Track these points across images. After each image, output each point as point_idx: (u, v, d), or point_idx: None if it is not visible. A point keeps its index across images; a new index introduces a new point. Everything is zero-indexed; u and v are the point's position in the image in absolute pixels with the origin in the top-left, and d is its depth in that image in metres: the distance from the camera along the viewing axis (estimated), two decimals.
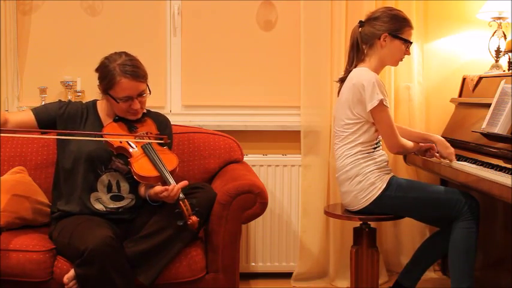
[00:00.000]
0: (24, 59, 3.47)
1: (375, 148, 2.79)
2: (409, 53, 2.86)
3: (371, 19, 2.83)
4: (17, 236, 2.64)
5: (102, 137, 2.63)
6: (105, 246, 2.35)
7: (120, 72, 2.59)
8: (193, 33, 3.56)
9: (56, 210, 2.73)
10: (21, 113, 2.71)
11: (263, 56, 3.59)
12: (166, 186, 2.49)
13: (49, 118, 2.68)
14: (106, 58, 2.67)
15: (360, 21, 2.86)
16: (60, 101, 2.80)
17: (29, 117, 2.65)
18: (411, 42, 2.84)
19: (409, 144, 2.83)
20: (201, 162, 3.15)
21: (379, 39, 2.79)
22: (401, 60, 2.87)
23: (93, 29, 3.49)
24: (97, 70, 2.68)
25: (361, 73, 2.76)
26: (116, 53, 2.68)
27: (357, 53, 2.84)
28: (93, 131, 2.69)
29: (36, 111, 2.68)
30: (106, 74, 2.61)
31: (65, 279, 2.47)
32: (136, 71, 2.62)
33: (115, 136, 2.63)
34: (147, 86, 2.68)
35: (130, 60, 2.63)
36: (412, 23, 2.85)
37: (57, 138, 2.74)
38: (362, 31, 2.84)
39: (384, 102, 2.69)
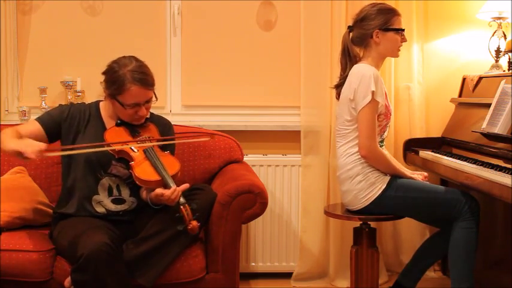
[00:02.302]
0: (24, 59, 3.47)
1: None
2: (405, 40, 2.85)
3: (358, 21, 2.83)
4: (17, 236, 2.64)
5: (108, 146, 2.60)
6: (101, 253, 2.33)
7: (131, 79, 2.56)
8: (193, 33, 3.56)
9: (57, 211, 2.73)
10: (28, 125, 2.65)
11: (263, 56, 3.59)
12: (166, 190, 2.49)
13: (55, 125, 2.66)
14: (115, 62, 2.63)
15: (349, 26, 2.87)
16: (60, 105, 2.78)
17: (37, 127, 2.63)
18: (403, 30, 2.83)
19: (387, 159, 2.79)
20: (201, 162, 3.15)
21: (372, 37, 2.80)
22: (400, 49, 2.86)
23: (93, 29, 3.49)
24: (105, 73, 2.65)
25: (360, 68, 2.76)
26: (124, 57, 2.64)
27: (349, 58, 2.84)
28: (96, 133, 2.68)
29: (42, 120, 2.66)
30: (115, 79, 2.58)
31: (66, 283, 2.47)
32: (146, 79, 2.60)
33: (119, 144, 2.61)
34: (154, 92, 2.68)
35: (140, 66, 2.61)
36: (398, 11, 2.84)
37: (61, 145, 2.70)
38: (353, 35, 2.85)
39: (375, 97, 2.68)
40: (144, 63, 2.66)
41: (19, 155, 2.38)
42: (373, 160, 2.75)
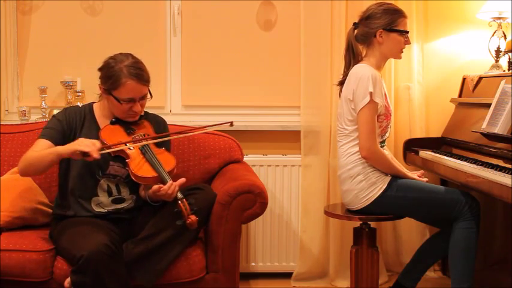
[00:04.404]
0: (24, 59, 3.47)
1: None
2: (409, 42, 2.86)
3: (363, 19, 2.83)
4: (17, 236, 2.64)
5: (110, 148, 2.59)
6: (100, 254, 2.33)
7: (127, 74, 2.58)
8: (193, 33, 3.56)
9: (57, 212, 2.73)
10: (38, 146, 2.58)
11: (263, 56, 3.59)
12: (160, 185, 2.50)
13: (60, 136, 2.63)
14: (111, 58, 2.64)
15: (354, 23, 2.87)
16: (54, 116, 2.72)
17: (47, 144, 2.58)
18: (407, 32, 2.84)
19: (388, 159, 2.79)
20: (201, 162, 3.15)
21: (375, 36, 2.80)
22: (402, 51, 2.86)
23: (93, 29, 3.49)
24: (101, 69, 2.65)
25: (360, 69, 2.77)
26: (121, 53, 2.66)
27: (352, 55, 2.85)
28: (90, 134, 2.67)
29: (48, 137, 2.60)
30: (111, 74, 2.59)
31: (66, 283, 2.47)
32: (142, 74, 2.62)
33: (121, 145, 2.59)
34: (149, 90, 2.68)
35: (136, 62, 2.63)
36: (404, 13, 2.83)
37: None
38: (357, 32, 2.85)
39: (373, 98, 2.69)
40: (140, 60, 2.67)
41: (82, 155, 2.42)
42: (373, 161, 2.75)
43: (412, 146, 3.29)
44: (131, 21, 3.51)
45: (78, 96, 3.39)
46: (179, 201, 2.49)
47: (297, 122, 3.51)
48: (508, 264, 2.89)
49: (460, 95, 3.39)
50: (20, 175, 2.63)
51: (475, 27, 3.54)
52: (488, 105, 2.87)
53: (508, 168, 2.48)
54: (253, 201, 2.69)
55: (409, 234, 3.50)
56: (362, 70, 2.75)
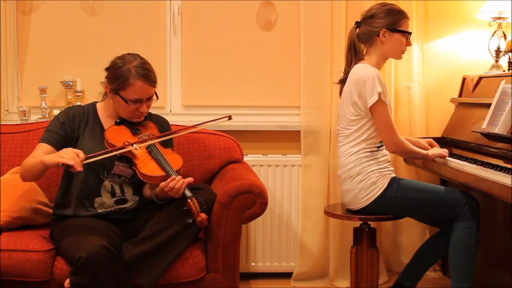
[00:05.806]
0: (24, 59, 3.47)
1: (378, 147, 2.79)
2: (410, 44, 2.87)
3: (367, 18, 2.84)
4: (17, 236, 2.64)
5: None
6: (98, 256, 2.33)
7: (135, 75, 2.58)
8: (193, 33, 3.56)
9: (58, 212, 2.73)
10: (39, 150, 2.59)
11: (263, 56, 3.59)
12: (173, 176, 2.51)
13: (62, 139, 2.63)
14: (119, 58, 2.64)
15: (357, 22, 2.87)
16: (56, 117, 2.71)
17: (48, 149, 2.57)
18: (410, 33, 2.85)
19: (411, 147, 2.81)
20: (201, 162, 3.15)
21: (378, 36, 2.80)
22: (404, 52, 2.88)
23: (93, 29, 3.49)
24: (108, 69, 2.65)
25: (362, 69, 2.77)
26: (129, 54, 2.66)
27: (354, 53, 2.85)
28: (94, 134, 2.68)
29: (49, 141, 2.60)
30: (119, 74, 2.59)
31: (66, 284, 2.47)
32: (150, 75, 2.62)
33: (128, 149, 2.59)
34: (155, 91, 2.69)
35: (144, 63, 2.64)
36: (407, 14, 2.85)
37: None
38: (360, 31, 2.85)
39: (382, 98, 2.69)
40: (147, 61, 2.68)
41: (66, 167, 2.40)
42: (403, 153, 2.84)
43: None
44: (131, 21, 3.51)
45: (78, 96, 3.39)
46: (188, 200, 2.50)
47: (297, 122, 3.51)
48: (508, 264, 2.89)
49: (460, 95, 3.39)
50: (22, 180, 2.63)
51: (475, 27, 3.54)
52: (488, 105, 2.87)
53: (508, 168, 2.48)
54: (253, 201, 2.69)
55: (409, 234, 3.50)
56: (364, 70, 2.75)
